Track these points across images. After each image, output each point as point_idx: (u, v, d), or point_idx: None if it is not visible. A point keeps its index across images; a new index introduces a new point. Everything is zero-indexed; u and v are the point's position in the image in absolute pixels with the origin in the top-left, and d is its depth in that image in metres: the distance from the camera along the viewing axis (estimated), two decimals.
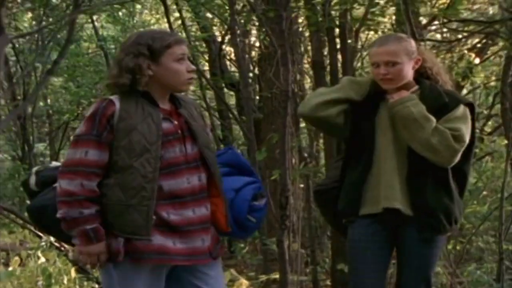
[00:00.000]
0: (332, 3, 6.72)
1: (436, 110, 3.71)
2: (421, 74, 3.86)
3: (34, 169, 3.64)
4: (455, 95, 3.90)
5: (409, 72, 3.78)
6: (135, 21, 13.84)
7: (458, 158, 3.69)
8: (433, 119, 3.67)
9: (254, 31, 10.64)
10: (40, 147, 13.58)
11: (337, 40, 7.11)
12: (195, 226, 3.33)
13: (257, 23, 8.97)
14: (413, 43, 3.85)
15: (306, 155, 8.47)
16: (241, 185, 3.62)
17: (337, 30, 7.00)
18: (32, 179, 3.51)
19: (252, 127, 6.38)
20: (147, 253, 3.23)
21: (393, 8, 7.67)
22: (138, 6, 13.15)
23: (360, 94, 3.82)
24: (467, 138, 3.70)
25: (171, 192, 3.29)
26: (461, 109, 3.74)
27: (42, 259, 6.88)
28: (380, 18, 7.63)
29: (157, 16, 13.46)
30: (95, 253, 3.24)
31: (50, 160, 12.01)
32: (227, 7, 7.90)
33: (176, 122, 3.37)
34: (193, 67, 3.40)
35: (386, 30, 8.02)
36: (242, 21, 9.18)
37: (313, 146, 9.34)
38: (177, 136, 3.34)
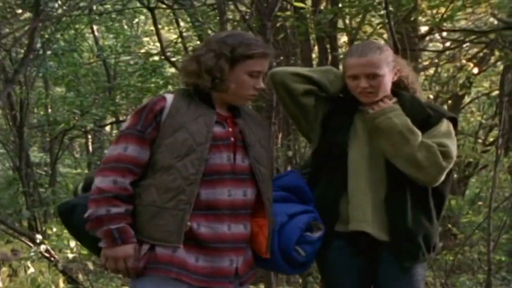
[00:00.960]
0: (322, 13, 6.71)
1: (419, 123, 3.36)
2: (397, 85, 3.52)
3: (86, 174, 3.48)
4: (438, 108, 3.66)
5: (389, 84, 3.42)
6: (139, 32, 13.90)
7: (443, 176, 3.37)
8: (419, 133, 3.33)
9: None
10: (43, 156, 13.59)
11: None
12: (226, 244, 3.06)
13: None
14: (391, 52, 3.51)
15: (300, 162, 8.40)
16: (297, 211, 3.30)
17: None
18: (81, 185, 3.27)
19: None
20: (166, 264, 2.97)
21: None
22: (142, 17, 13.13)
23: (333, 84, 3.50)
24: (454, 155, 3.38)
25: (207, 202, 3.02)
26: (445, 123, 3.44)
27: (32, 270, 6.87)
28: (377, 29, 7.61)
29: (159, 26, 13.42)
30: (120, 256, 2.96)
31: (50, 170, 12.05)
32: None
33: (230, 129, 3.13)
34: (262, 85, 3.14)
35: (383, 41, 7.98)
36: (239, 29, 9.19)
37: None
38: (227, 143, 3.09)
